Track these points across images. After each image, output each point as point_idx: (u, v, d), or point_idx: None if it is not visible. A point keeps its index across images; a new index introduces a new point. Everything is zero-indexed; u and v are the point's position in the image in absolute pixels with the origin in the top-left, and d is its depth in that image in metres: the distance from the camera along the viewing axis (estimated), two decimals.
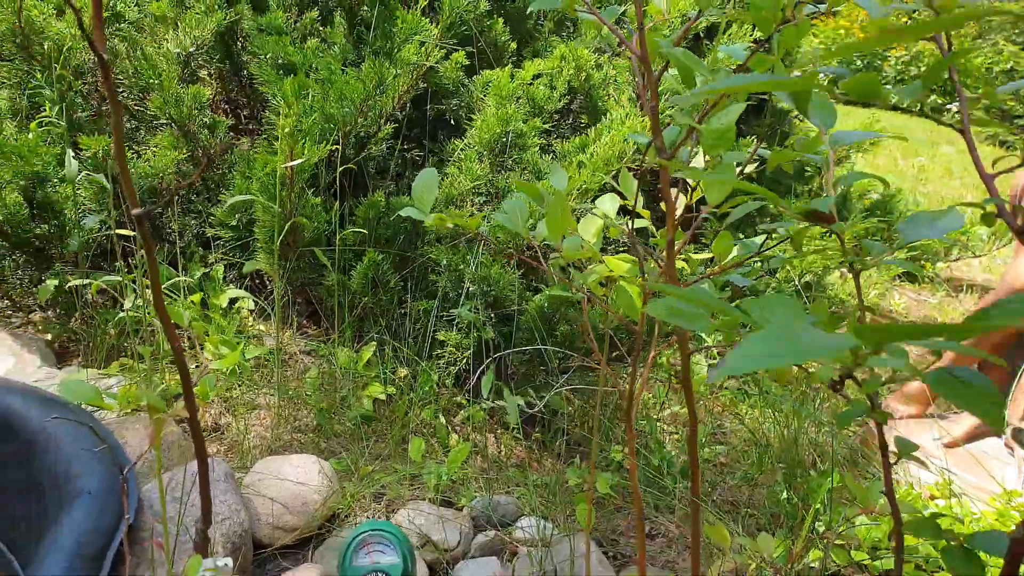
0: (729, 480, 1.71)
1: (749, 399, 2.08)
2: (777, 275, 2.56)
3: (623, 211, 1.09)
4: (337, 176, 1.85)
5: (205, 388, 1.24)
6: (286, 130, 1.57)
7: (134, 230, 1.73)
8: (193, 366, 1.78)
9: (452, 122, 2.28)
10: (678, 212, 1.19)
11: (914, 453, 1.65)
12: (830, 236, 2.77)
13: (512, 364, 1.76)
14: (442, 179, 1.99)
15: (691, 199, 1.11)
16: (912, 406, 1.92)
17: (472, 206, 1.96)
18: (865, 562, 1.38)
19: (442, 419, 1.75)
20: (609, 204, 1.15)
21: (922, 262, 3.51)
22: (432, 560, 1.41)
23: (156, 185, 2.04)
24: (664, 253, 0.91)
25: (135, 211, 0.77)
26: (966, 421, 1.81)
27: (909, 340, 0.40)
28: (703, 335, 2.31)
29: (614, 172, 1.95)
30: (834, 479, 1.38)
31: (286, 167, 1.61)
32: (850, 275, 2.92)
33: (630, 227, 1.07)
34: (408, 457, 1.64)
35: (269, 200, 1.69)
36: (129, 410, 1.44)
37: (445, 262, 1.74)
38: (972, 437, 1.77)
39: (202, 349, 1.70)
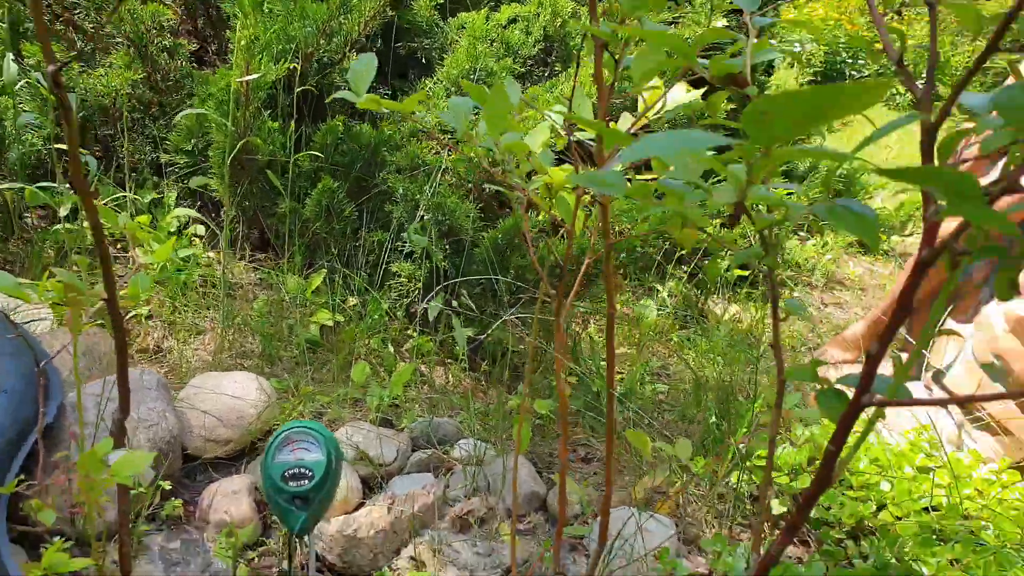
0: (667, 416, 1.74)
1: (696, 346, 2.11)
2: (734, 231, 2.58)
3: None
4: (295, 98, 1.82)
5: (136, 288, 1.23)
6: (242, 43, 1.54)
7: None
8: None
9: (424, 61, 2.27)
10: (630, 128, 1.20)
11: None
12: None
13: (464, 296, 1.76)
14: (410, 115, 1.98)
15: (638, 124, 1.12)
16: (848, 352, 1.97)
17: (438, 143, 1.95)
18: (783, 482, 1.42)
19: (391, 348, 1.75)
20: (557, 114, 1.16)
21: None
22: (367, 474, 1.42)
23: (108, 104, 2.00)
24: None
25: (49, 68, 0.75)
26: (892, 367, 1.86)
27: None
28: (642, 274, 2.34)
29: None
30: (756, 407, 1.42)
31: (241, 81, 1.59)
32: (808, 241, 2.93)
33: (572, 137, 1.08)
34: (353, 383, 1.64)
35: (223, 118, 1.67)
36: (58, 321, 1.42)
37: (401, 191, 1.74)
38: None
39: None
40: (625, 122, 1.18)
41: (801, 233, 3.07)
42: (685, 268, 2.50)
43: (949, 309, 1.80)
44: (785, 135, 0.37)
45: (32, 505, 0.93)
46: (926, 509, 1.44)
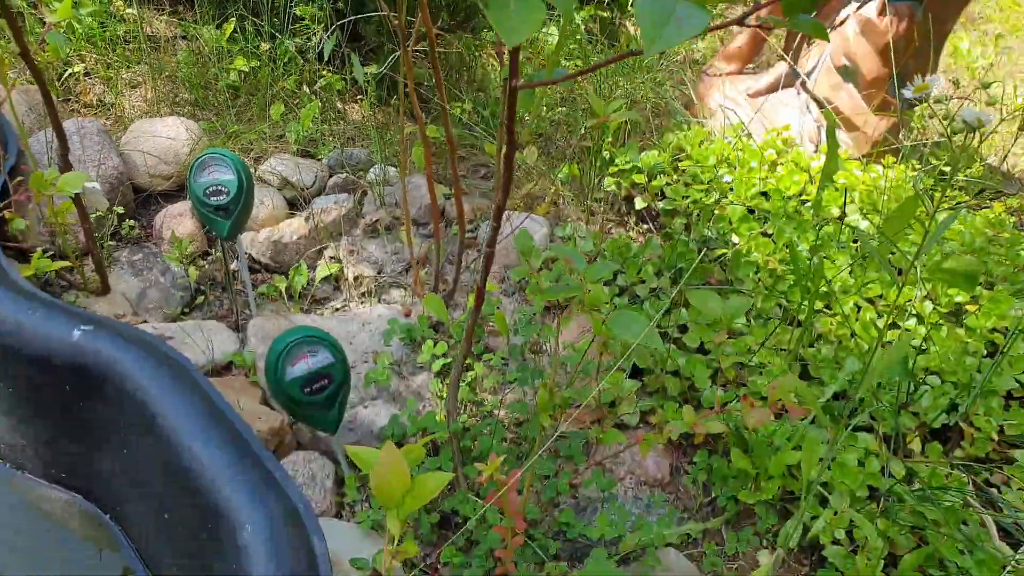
0: (558, 140, 1.97)
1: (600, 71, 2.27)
2: None
3: None
4: None
5: (55, 46, 1.40)
6: None
7: None
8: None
9: None
10: None
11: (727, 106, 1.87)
12: None
13: (366, 37, 1.90)
14: None
15: None
16: (732, 64, 2.15)
17: None
18: (643, 182, 1.69)
19: (305, 88, 1.93)
20: None
21: None
22: (291, 197, 1.69)
23: None
24: None
25: None
26: (769, 76, 2.05)
27: None
28: None
29: None
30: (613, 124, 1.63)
31: None
32: None
33: None
34: (271, 120, 1.84)
35: None
36: None
37: None
38: (772, 88, 2.02)
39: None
40: None
41: None
42: None
43: (814, 14, 1.95)
44: None
45: (6, 217, 1.19)
46: (763, 195, 1.72)
